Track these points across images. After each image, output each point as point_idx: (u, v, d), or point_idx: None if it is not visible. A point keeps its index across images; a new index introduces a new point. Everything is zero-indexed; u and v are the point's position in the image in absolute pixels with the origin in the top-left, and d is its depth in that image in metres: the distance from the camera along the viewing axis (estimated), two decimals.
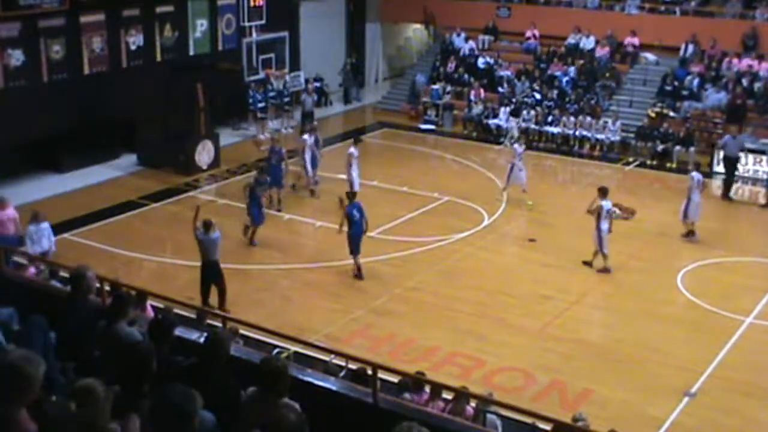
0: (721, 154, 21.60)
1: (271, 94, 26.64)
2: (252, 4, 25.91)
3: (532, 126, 25.66)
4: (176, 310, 11.05)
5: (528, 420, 8.92)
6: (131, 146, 23.28)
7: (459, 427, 6.83)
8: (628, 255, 17.06)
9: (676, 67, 26.25)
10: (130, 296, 7.38)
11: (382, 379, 6.85)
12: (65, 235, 17.31)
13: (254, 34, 26.34)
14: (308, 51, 29.43)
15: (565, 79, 27.14)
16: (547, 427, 7.74)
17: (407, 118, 28.30)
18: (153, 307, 11.80)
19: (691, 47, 26.49)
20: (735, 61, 25.79)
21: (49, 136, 21.46)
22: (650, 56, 26.97)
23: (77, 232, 17.98)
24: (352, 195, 16.67)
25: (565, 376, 12.80)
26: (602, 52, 27.61)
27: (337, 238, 16.36)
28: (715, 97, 24.91)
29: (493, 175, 22.43)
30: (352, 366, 10.34)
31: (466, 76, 28.67)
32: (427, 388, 10.08)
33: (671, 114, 25.00)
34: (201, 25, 25.37)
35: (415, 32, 34.65)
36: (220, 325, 10.09)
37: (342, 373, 10.08)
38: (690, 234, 17.99)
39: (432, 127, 27.49)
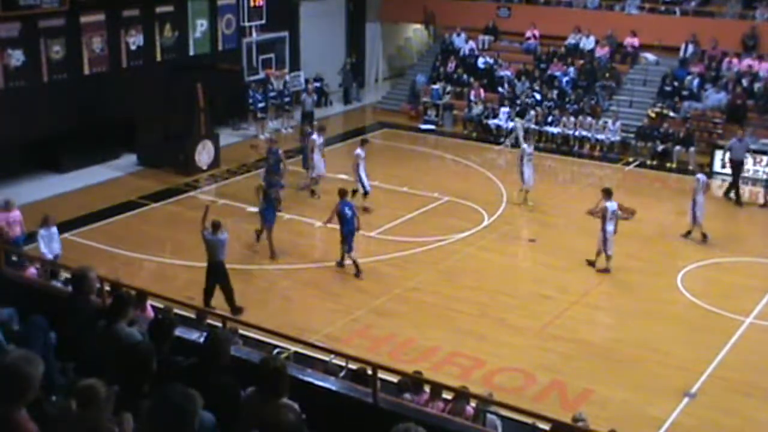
0: (727, 156, 21.51)
1: (271, 94, 26.65)
2: (252, 4, 25.90)
3: (532, 126, 25.63)
4: (176, 310, 11.04)
5: (528, 420, 8.92)
6: (131, 146, 23.29)
7: (459, 427, 6.84)
8: (628, 255, 17.05)
9: (676, 67, 26.25)
10: (130, 296, 7.38)
11: (382, 379, 6.85)
12: (65, 235, 17.27)
13: (254, 34, 26.35)
14: (308, 51, 29.43)
15: (565, 79, 27.15)
16: (548, 427, 7.74)
17: (407, 118, 28.30)
18: (153, 307, 11.81)
19: (691, 47, 26.48)
20: (735, 61, 25.79)
21: (49, 136, 21.47)
22: (650, 56, 26.97)
23: (77, 232, 17.98)
24: (346, 193, 16.80)
25: (565, 376, 12.80)
26: (602, 52, 27.61)
27: (338, 238, 16.36)
28: (715, 97, 24.91)
29: (492, 175, 22.45)
30: (352, 366, 10.35)
31: (466, 76, 28.67)
32: (427, 388, 10.09)
33: (671, 114, 25.00)
34: (201, 25, 25.38)
35: (415, 32, 34.66)
36: (220, 325, 10.08)
37: (342, 373, 10.09)
38: (703, 237, 17.94)
39: (432, 127, 27.49)
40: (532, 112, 26.00)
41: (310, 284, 16.06)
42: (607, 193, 16.54)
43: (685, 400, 12.29)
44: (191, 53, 25.10)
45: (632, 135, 24.64)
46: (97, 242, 17.49)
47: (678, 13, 27.74)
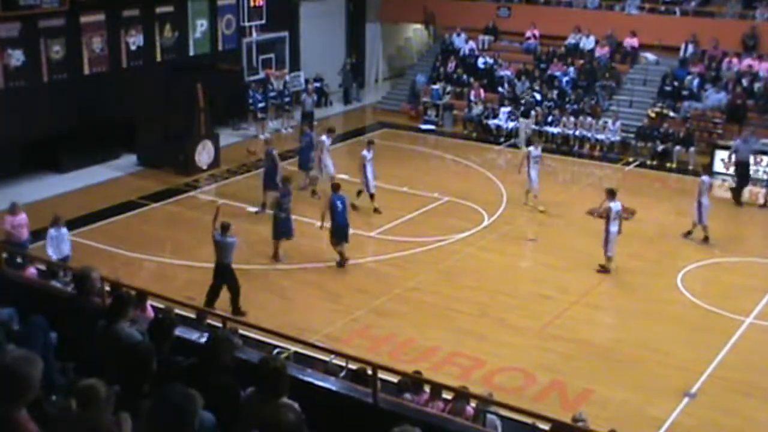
0: (733, 158, 21.46)
1: (271, 94, 26.64)
2: (252, 4, 25.91)
3: (533, 126, 25.65)
4: (176, 310, 11.03)
5: (528, 420, 8.91)
6: (131, 146, 23.28)
7: (459, 427, 6.84)
8: (628, 255, 17.05)
9: (676, 67, 26.25)
10: (130, 296, 7.38)
11: (382, 379, 6.85)
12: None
13: (254, 34, 26.35)
14: (308, 51, 29.43)
15: (565, 79, 27.15)
16: (548, 427, 7.74)
17: (407, 119, 28.30)
18: (153, 307, 11.81)
19: (690, 47, 26.48)
20: (735, 61, 25.79)
21: (49, 136, 21.46)
22: (650, 56, 26.97)
23: (77, 232, 17.91)
24: (339, 186, 16.94)
25: (565, 376, 12.80)
26: (602, 52, 27.61)
27: None
28: (715, 97, 24.91)
29: (492, 175, 22.45)
30: (352, 366, 10.35)
31: (465, 76, 28.67)
32: (427, 388, 10.09)
33: (671, 114, 25.00)
34: (201, 26, 25.38)
35: (415, 32, 34.65)
36: (220, 325, 10.08)
37: (342, 373, 10.09)
38: (705, 239, 17.94)
39: (432, 127, 27.48)
40: (532, 112, 26.00)
41: (310, 284, 16.06)
42: (611, 194, 16.53)
43: (685, 400, 12.29)
44: (191, 53, 25.10)
45: (632, 135, 24.64)
46: (97, 242, 17.48)
47: (678, 13, 27.74)
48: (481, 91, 27.30)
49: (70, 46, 21.64)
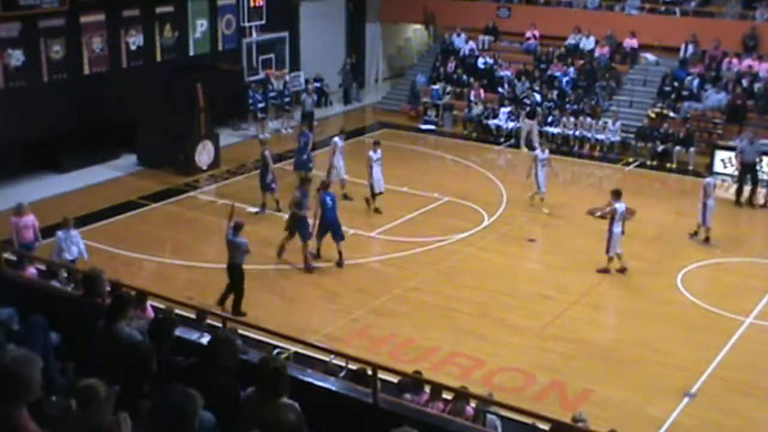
0: (738, 160, 21.38)
1: (271, 94, 26.65)
2: (252, 4, 25.91)
3: (538, 128, 25.57)
4: (176, 310, 11.03)
5: (528, 420, 8.91)
6: (131, 146, 23.28)
7: (459, 427, 6.83)
8: (628, 255, 17.00)
9: (676, 68, 26.25)
10: (130, 296, 7.38)
11: (382, 379, 6.84)
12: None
13: (254, 35, 26.35)
14: (308, 51, 29.43)
15: (565, 79, 27.15)
16: (547, 427, 7.74)
17: (407, 119, 28.30)
18: (153, 307, 11.81)
19: (690, 48, 26.49)
20: (735, 61, 25.79)
21: (49, 136, 21.47)
22: (650, 56, 26.97)
23: (77, 233, 17.93)
24: (328, 185, 17.09)
25: (565, 376, 12.80)
26: (602, 52, 27.61)
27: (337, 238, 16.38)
28: (715, 97, 24.91)
29: (493, 176, 22.45)
30: (352, 366, 10.34)
31: (465, 76, 28.68)
32: (427, 389, 10.08)
33: (671, 114, 25.00)
34: (201, 26, 25.38)
35: (415, 32, 34.65)
36: (220, 325, 10.08)
37: (342, 373, 10.09)
38: (706, 240, 17.94)
39: (432, 127, 27.48)
40: (537, 113, 25.95)
41: (310, 284, 16.05)
42: (617, 195, 16.52)
43: (685, 400, 12.29)
44: (191, 53, 25.11)
45: (632, 135, 24.64)
46: (97, 242, 17.46)
47: (678, 14, 27.75)
48: (481, 91, 27.30)
49: (70, 46, 21.64)
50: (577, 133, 25.13)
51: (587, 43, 28.10)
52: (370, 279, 16.26)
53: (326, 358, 10.91)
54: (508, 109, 26.35)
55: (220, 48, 26.00)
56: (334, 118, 28.74)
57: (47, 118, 21.20)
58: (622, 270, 16.46)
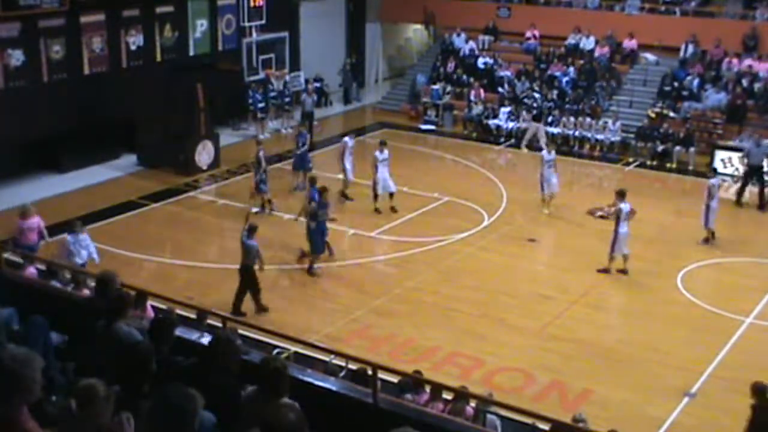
0: (745, 161, 21.32)
1: (272, 94, 26.64)
2: (252, 4, 25.91)
3: (544, 129, 25.56)
4: (176, 310, 11.03)
5: (528, 420, 8.92)
6: (131, 146, 23.27)
7: (459, 427, 6.83)
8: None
9: (676, 68, 26.25)
10: (130, 296, 7.38)
11: (382, 379, 6.85)
12: (65, 235, 17.24)
13: (254, 34, 26.35)
14: (308, 51, 29.43)
15: (565, 79, 27.15)
16: (547, 427, 7.74)
17: (407, 119, 28.30)
18: (153, 307, 11.81)
19: (690, 48, 26.48)
20: (735, 61, 25.79)
21: (49, 136, 21.46)
22: (650, 56, 26.97)
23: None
24: (315, 180, 17.02)
25: (565, 376, 12.80)
26: (602, 52, 27.61)
27: (338, 239, 16.36)
28: (715, 97, 24.90)
29: (493, 176, 22.45)
30: (352, 366, 10.35)
31: (465, 76, 28.67)
32: (427, 389, 10.08)
33: (671, 114, 25.00)
34: (201, 26, 25.38)
35: (415, 32, 34.65)
36: (220, 325, 10.08)
37: (342, 373, 10.09)
38: (706, 240, 17.90)
39: (432, 127, 27.48)
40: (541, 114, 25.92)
41: (310, 284, 16.05)
42: (621, 195, 16.52)
43: (685, 400, 12.29)
44: (191, 53, 25.10)
45: (632, 135, 24.63)
46: (97, 242, 17.34)
47: (678, 14, 27.74)
48: (481, 91, 27.30)
49: (70, 46, 21.64)
50: (577, 133, 25.13)
51: (587, 43, 28.10)
52: (370, 279, 16.26)
53: (326, 358, 10.90)
54: (508, 109, 26.36)
55: (220, 48, 26.00)
56: (334, 118, 28.75)
57: (47, 118, 21.19)
58: (622, 270, 16.46)
